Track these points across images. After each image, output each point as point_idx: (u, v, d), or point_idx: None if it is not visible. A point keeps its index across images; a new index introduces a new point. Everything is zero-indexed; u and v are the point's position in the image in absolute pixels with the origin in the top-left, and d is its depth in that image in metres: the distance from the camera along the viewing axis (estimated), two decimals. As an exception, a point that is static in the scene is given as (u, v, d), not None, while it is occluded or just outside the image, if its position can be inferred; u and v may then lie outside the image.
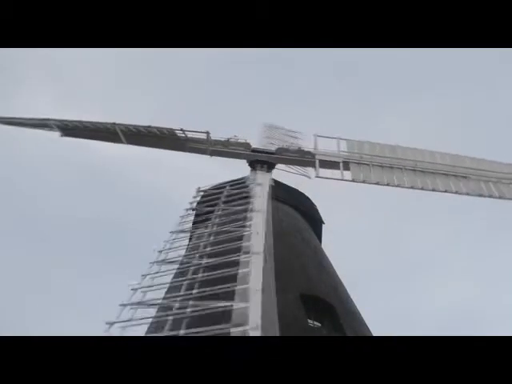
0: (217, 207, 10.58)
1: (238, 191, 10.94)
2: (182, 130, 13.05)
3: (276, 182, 14.40)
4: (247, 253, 7.56)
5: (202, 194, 11.97)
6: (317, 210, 14.79)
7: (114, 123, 12.87)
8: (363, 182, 12.38)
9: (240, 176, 13.58)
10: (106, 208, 35.41)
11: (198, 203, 14.34)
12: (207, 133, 13.25)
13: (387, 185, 12.38)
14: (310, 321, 9.08)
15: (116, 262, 34.30)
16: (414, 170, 12.70)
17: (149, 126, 13.04)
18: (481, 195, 12.15)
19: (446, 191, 12.21)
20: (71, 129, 13.44)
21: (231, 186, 11.56)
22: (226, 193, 11.16)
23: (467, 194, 12.20)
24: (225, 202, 10.71)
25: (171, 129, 13.11)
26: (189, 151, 13.55)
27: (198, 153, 13.65)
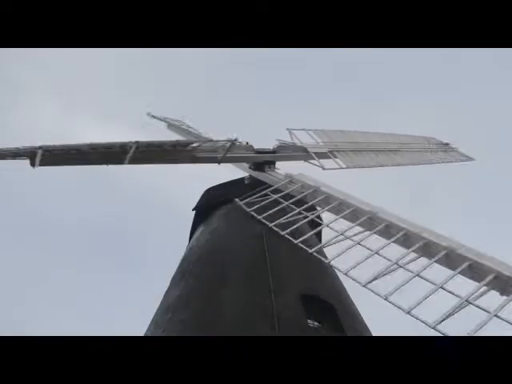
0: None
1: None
2: (210, 139, 12.88)
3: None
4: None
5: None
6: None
7: (137, 141, 11.20)
8: (354, 167, 13.25)
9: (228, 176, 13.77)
10: (106, 208, 35.43)
11: (200, 203, 14.35)
12: (233, 141, 12.80)
13: (367, 167, 13.62)
14: (309, 321, 9.06)
15: (116, 263, 34.33)
16: (377, 151, 14.38)
17: (161, 142, 12.02)
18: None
19: (398, 165, 14.49)
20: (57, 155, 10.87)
21: (268, 190, 11.38)
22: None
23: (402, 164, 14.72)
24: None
25: (186, 141, 12.82)
26: (198, 162, 12.80)
27: (208, 162, 13.00)
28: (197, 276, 10.67)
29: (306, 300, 9.22)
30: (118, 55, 34.19)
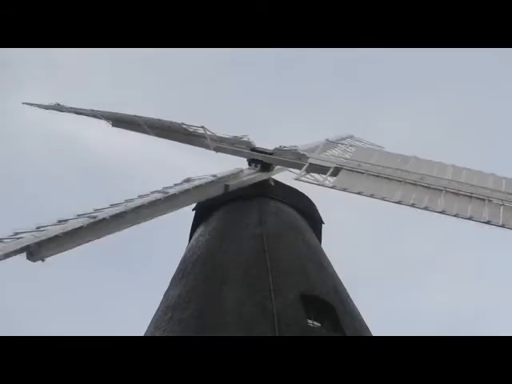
0: None
1: None
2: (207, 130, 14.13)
3: (275, 181, 14.41)
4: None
5: None
6: (316, 210, 14.77)
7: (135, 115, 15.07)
8: (344, 190, 11.20)
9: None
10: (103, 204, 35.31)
11: (200, 203, 14.32)
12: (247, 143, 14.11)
13: (371, 196, 10.87)
14: (309, 321, 9.07)
15: (115, 262, 34.27)
16: (415, 185, 11.02)
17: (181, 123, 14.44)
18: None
19: (443, 212, 10.04)
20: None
21: None
22: None
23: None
24: None
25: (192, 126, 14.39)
26: (195, 145, 14.91)
27: (203, 147, 14.66)
28: (197, 276, 10.67)
29: (305, 300, 9.23)
30: (117, 55, 34.18)
